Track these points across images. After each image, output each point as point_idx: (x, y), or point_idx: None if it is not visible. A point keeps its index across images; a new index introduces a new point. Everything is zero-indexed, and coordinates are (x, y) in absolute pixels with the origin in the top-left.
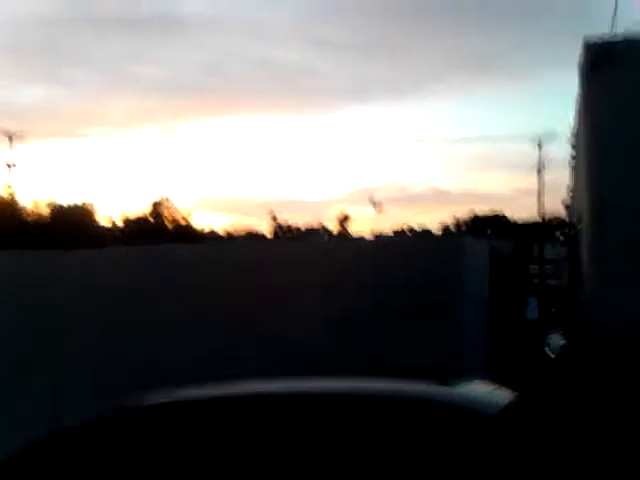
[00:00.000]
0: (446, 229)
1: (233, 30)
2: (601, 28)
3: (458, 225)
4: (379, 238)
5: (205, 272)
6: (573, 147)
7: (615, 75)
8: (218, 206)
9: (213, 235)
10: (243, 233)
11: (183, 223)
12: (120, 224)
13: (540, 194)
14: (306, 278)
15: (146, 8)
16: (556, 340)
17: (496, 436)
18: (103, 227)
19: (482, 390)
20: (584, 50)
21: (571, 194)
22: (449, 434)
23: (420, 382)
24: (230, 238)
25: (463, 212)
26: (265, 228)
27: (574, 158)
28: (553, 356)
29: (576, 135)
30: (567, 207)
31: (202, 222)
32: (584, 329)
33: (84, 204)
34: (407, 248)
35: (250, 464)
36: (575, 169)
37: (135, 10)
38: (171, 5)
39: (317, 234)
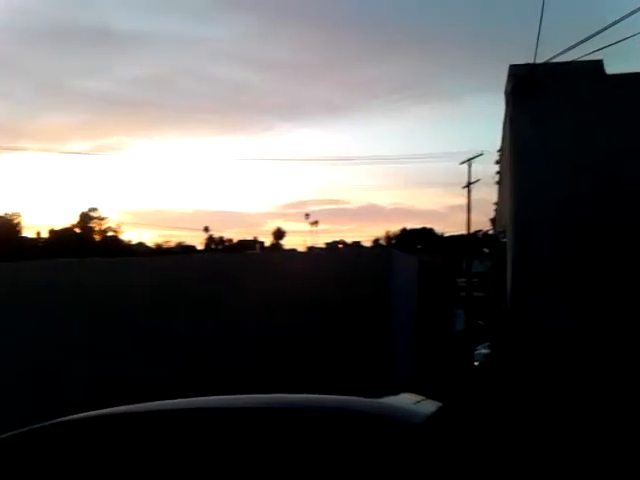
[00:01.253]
0: (377, 243)
1: (170, 46)
2: (526, 56)
3: (389, 239)
4: (311, 251)
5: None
6: (499, 164)
7: (537, 99)
8: (151, 219)
9: (142, 247)
10: (174, 245)
11: (111, 235)
12: (46, 235)
13: (468, 210)
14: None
15: (83, 22)
16: (482, 350)
17: (420, 445)
18: (27, 238)
19: (407, 401)
20: (509, 75)
21: (497, 209)
22: (375, 444)
23: (351, 397)
24: (160, 251)
25: (395, 227)
26: (198, 241)
27: (499, 175)
28: (478, 364)
29: (502, 154)
30: (493, 222)
31: (133, 235)
32: (507, 339)
33: (7, 215)
34: (335, 259)
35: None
36: (501, 186)
37: (72, 24)
38: (108, 20)
39: (251, 247)
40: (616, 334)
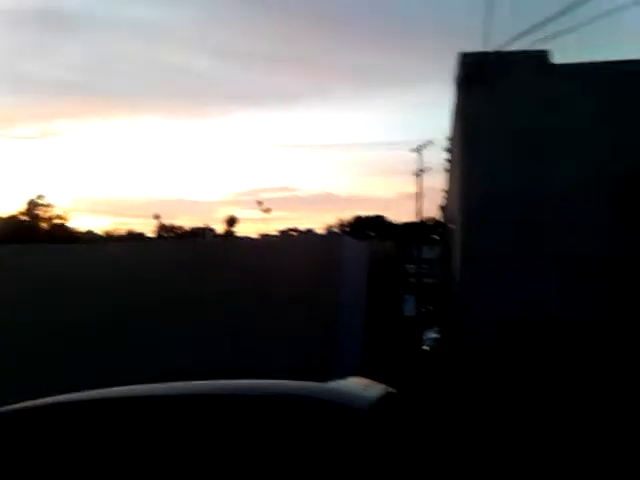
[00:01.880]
0: (330, 231)
1: (122, 30)
2: (479, 44)
3: (342, 227)
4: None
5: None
6: (449, 151)
7: (486, 87)
8: (100, 207)
9: (90, 235)
10: (123, 233)
11: (59, 223)
12: None
13: (419, 198)
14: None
15: (31, 3)
16: (431, 334)
17: (366, 429)
18: None
19: (354, 386)
20: (459, 64)
21: (446, 197)
22: (321, 429)
23: (296, 381)
24: (109, 238)
25: (349, 215)
26: (149, 229)
27: (450, 162)
28: (427, 349)
29: (452, 142)
30: (443, 209)
31: (83, 223)
32: (455, 323)
33: None
34: (284, 246)
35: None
36: (450, 173)
37: (20, 5)
38: (58, 1)
39: (202, 235)
40: (558, 317)
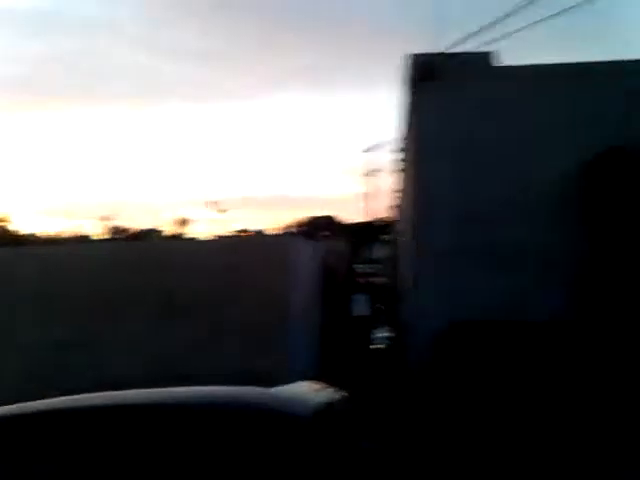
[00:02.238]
0: (284, 231)
1: (65, 25)
2: (430, 46)
3: (296, 227)
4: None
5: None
6: (401, 152)
7: (436, 87)
8: (47, 208)
9: (33, 238)
10: (70, 235)
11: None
12: None
13: (370, 198)
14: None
15: None
16: (383, 333)
17: (309, 437)
18: None
19: (302, 391)
20: (409, 65)
21: (399, 197)
22: (263, 437)
23: (240, 388)
24: (55, 241)
25: (303, 215)
26: (97, 230)
27: (402, 162)
28: (379, 348)
29: (403, 142)
30: (395, 209)
31: (26, 224)
32: (403, 323)
33: None
34: (237, 247)
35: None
36: (402, 173)
37: None
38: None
39: (152, 236)
40: (505, 317)
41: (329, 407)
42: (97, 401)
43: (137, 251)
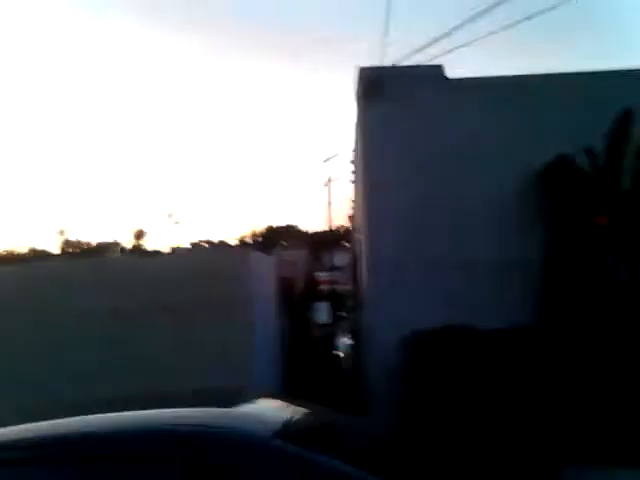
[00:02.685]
0: (243, 241)
1: None
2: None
3: (255, 237)
4: (175, 252)
5: None
6: (353, 163)
7: (383, 101)
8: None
9: None
10: (26, 251)
11: None
12: None
13: (329, 206)
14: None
15: None
16: (345, 341)
17: (268, 458)
18: None
19: (264, 409)
20: (358, 79)
21: (353, 207)
22: (220, 461)
23: (197, 410)
24: (9, 257)
25: (262, 225)
26: (54, 245)
27: (355, 173)
28: (341, 355)
29: (355, 154)
30: (351, 218)
31: None
32: (363, 331)
33: None
34: (195, 263)
35: None
36: (356, 184)
37: None
38: None
39: (109, 250)
40: (463, 324)
41: (290, 425)
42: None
43: (87, 269)
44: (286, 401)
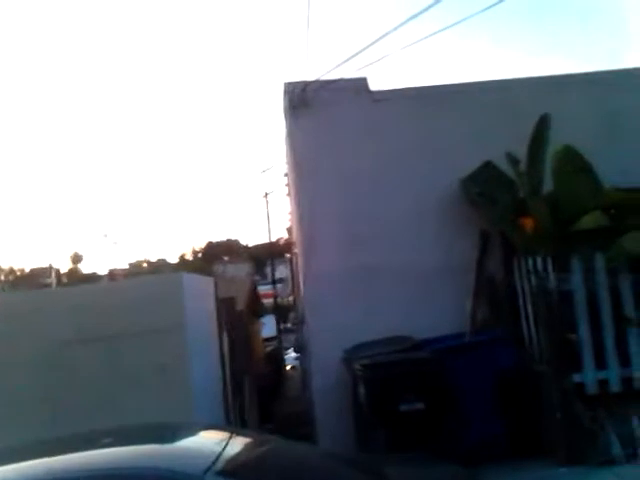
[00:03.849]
0: (183, 259)
1: None
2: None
3: (195, 254)
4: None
5: None
6: (285, 176)
7: (309, 115)
8: None
9: None
10: None
11: None
12: None
13: (268, 219)
14: None
15: None
16: (291, 354)
17: None
18: None
19: (199, 444)
20: (284, 93)
21: (290, 219)
22: None
23: (129, 449)
24: None
25: (201, 241)
26: None
27: (287, 186)
28: (290, 369)
29: (287, 167)
30: (289, 231)
31: None
32: (306, 344)
33: None
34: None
35: None
36: (289, 197)
37: None
38: None
39: (44, 275)
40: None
41: (224, 458)
42: None
43: (15, 300)
44: (228, 432)
